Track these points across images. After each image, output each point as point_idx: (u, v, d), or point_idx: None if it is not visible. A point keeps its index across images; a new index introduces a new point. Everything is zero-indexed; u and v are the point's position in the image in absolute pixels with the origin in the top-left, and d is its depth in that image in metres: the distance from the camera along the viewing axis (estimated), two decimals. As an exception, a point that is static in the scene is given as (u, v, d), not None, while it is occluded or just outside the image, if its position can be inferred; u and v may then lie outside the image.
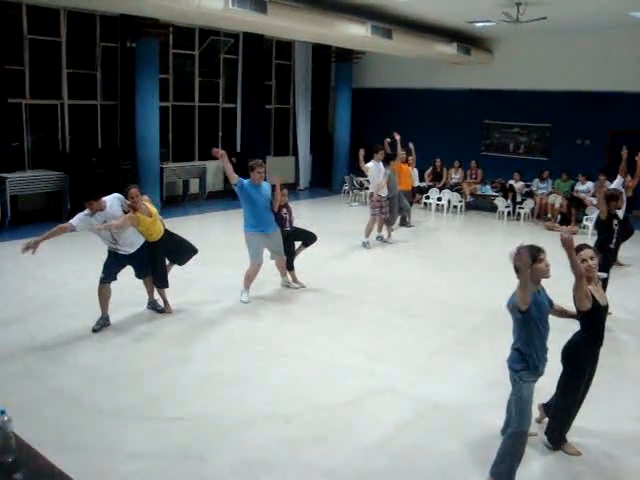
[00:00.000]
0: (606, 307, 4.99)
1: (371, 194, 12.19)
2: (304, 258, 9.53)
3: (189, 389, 6.04)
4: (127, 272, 7.84)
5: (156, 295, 8.05)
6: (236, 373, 6.42)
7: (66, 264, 10.03)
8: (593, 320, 4.87)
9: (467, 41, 16.55)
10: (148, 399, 5.78)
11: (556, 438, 5.10)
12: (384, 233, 12.59)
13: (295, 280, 9.29)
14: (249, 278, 8.67)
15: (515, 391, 4.60)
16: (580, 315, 4.86)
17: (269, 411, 5.61)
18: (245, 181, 8.53)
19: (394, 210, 12.72)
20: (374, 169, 11.92)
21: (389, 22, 13.99)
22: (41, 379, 6.11)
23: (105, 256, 7.61)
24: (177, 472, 4.71)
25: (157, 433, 5.20)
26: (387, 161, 12.32)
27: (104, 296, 7.54)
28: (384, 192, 12.04)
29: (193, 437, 5.14)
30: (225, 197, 16.33)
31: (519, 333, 4.55)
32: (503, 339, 5.26)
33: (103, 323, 7.47)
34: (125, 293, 8.12)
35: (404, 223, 14.07)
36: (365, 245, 12.01)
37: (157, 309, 8.03)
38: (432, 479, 4.72)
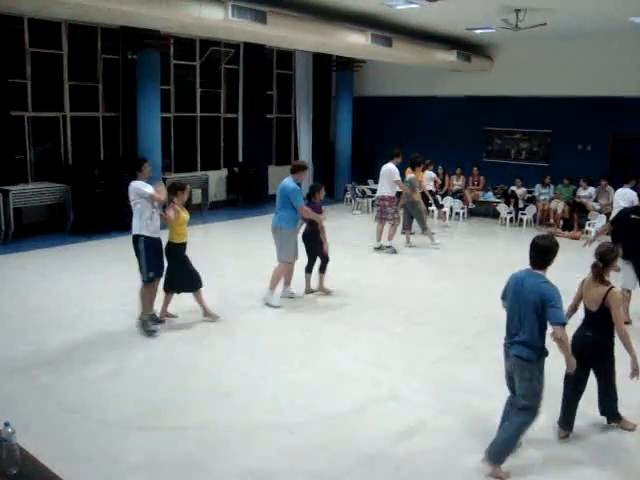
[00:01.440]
0: None
1: (382, 197, 12.29)
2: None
3: (192, 399, 6.04)
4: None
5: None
6: (239, 382, 6.42)
7: (69, 276, 10.05)
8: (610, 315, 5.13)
9: (467, 48, 16.58)
10: (151, 409, 5.79)
11: (614, 415, 5.53)
12: (392, 242, 12.52)
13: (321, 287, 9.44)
14: (278, 278, 8.78)
15: (531, 376, 4.69)
16: (601, 312, 5.15)
17: (272, 420, 5.61)
18: (294, 183, 8.88)
19: (422, 215, 12.87)
20: (395, 171, 12.08)
21: (389, 30, 14.03)
22: (44, 391, 6.11)
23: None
24: (181, 482, 4.71)
25: (160, 443, 5.20)
26: (413, 167, 12.58)
27: (153, 295, 7.70)
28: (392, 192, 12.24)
29: (196, 447, 5.14)
30: (227, 207, 16.37)
31: (532, 327, 4.65)
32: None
33: (153, 319, 7.68)
34: (127, 303, 8.13)
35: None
36: (388, 250, 12.22)
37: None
38: (436, 486, 4.72)
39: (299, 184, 8.88)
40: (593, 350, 5.22)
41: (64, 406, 5.79)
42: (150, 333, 7.54)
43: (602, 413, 5.58)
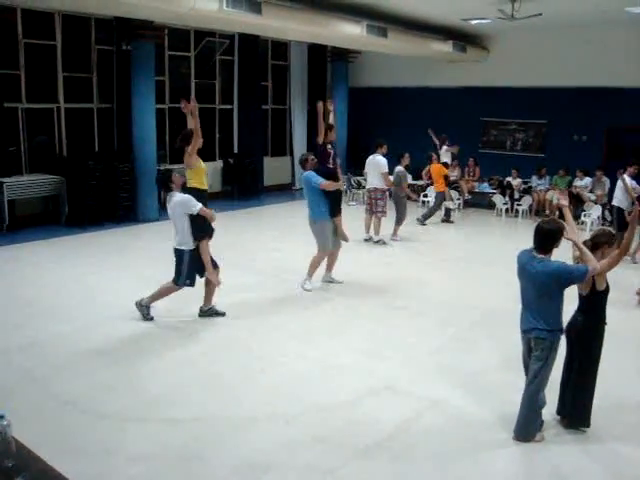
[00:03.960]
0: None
1: (374, 189, 12.24)
2: (303, 258, 9.48)
3: (189, 390, 6.03)
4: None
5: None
6: (235, 374, 6.42)
7: (64, 267, 10.02)
8: (602, 299, 5.09)
9: (463, 39, 16.55)
10: (148, 401, 5.78)
11: (585, 420, 5.28)
12: (379, 235, 12.53)
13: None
14: (315, 266, 9.12)
15: (544, 356, 4.89)
16: (591, 295, 5.06)
17: (269, 412, 5.61)
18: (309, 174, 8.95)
19: (404, 209, 12.80)
20: (382, 164, 12.01)
21: (384, 21, 13.99)
22: (40, 383, 6.10)
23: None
24: (178, 474, 4.70)
25: (157, 435, 5.20)
26: (399, 159, 12.59)
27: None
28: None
29: (193, 438, 5.13)
30: (223, 198, 16.33)
31: (548, 306, 4.81)
32: (503, 335, 5.28)
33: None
34: (122, 294, 8.12)
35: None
36: (380, 242, 12.27)
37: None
38: (433, 478, 4.72)
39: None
40: (581, 330, 5.17)
41: (60, 398, 5.77)
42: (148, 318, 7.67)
43: (560, 412, 5.42)
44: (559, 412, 5.42)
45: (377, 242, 12.32)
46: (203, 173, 8.01)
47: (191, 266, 7.49)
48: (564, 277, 4.77)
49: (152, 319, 7.69)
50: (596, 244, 5.13)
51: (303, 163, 9.18)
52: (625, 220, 10.70)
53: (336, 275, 9.55)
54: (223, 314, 7.94)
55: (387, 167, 12.04)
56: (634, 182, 11.41)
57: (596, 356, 5.18)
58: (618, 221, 11.23)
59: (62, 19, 13.27)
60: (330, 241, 9.14)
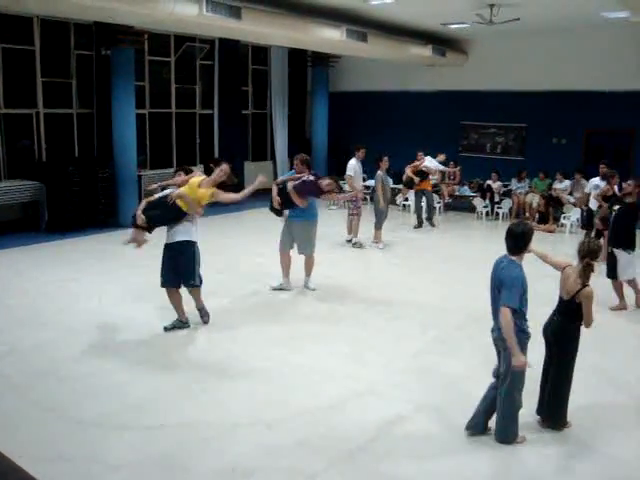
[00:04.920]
0: None
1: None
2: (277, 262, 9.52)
3: (170, 397, 6.01)
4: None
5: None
6: (217, 379, 6.40)
7: (45, 274, 9.94)
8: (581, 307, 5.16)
9: (442, 43, 16.64)
10: (129, 408, 5.75)
11: (562, 419, 5.35)
12: (359, 238, 12.59)
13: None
14: (312, 265, 9.35)
15: (508, 356, 4.90)
16: (570, 302, 5.17)
17: (251, 417, 5.60)
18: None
19: (382, 214, 12.66)
20: (356, 167, 12.22)
21: (364, 25, 14.04)
22: (20, 390, 6.05)
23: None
24: (161, 480, 4.69)
25: (139, 442, 5.17)
26: (378, 163, 12.49)
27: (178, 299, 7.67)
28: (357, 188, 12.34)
29: (176, 445, 5.11)
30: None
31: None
32: (485, 338, 5.31)
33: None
34: (104, 300, 8.08)
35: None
36: (356, 245, 12.36)
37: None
38: (416, 480, 4.74)
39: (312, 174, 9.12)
40: (557, 332, 5.25)
41: (41, 406, 5.73)
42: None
43: (539, 413, 5.49)
44: (538, 412, 5.48)
45: (352, 243, 12.45)
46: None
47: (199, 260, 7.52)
48: (503, 289, 4.80)
49: (188, 326, 7.70)
50: (583, 256, 5.22)
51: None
52: (591, 220, 11.46)
53: (312, 280, 9.58)
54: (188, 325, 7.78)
55: (352, 171, 12.25)
56: (603, 183, 11.54)
57: (571, 357, 5.25)
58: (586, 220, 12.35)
59: (40, 24, 13.18)
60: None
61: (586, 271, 5.11)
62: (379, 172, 12.53)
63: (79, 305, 8.54)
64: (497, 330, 4.95)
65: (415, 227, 14.58)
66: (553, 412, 5.37)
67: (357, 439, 5.24)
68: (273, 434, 5.32)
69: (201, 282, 7.66)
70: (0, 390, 6.05)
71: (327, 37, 13.33)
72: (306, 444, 5.16)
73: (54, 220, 12.91)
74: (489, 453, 5.08)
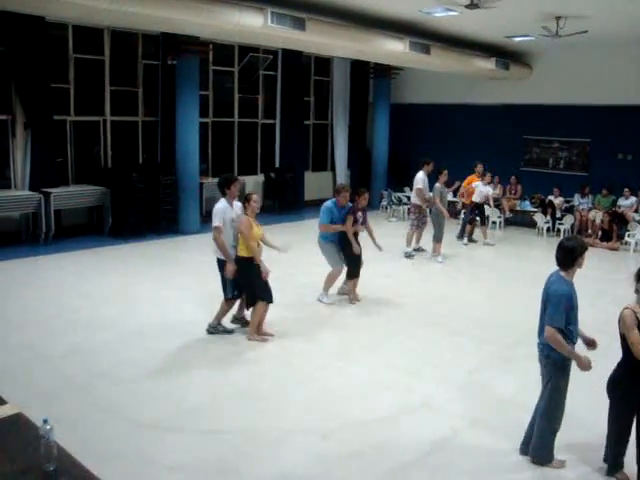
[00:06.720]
0: None
1: (412, 205, 12.58)
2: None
3: (227, 403, 6.07)
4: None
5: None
6: (273, 387, 6.44)
7: (107, 277, 10.19)
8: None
9: (506, 56, 16.46)
10: (186, 412, 5.83)
11: (616, 464, 4.85)
12: (421, 244, 12.77)
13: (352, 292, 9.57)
14: (331, 281, 9.39)
15: (550, 375, 4.83)
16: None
17: (305, 426, 5.62)
18: (331, 203, 9.27)
19: (441, 226, 12.55)
20: (425, 180, 12.26)
21: (427, 38, 14.00)
22: (82, 390, 6.20)
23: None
24: (214, 485, 4.74)
25: (195, 446, 5.24)
26: (437, 176, 12.51)
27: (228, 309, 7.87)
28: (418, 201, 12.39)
29: (230, 450, 5.17)
30: (263, 212, 16.40)
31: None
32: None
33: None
34: (163, 305, 8.21)
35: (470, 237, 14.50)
36: (408, 255, 12.36)
37: (242, 323, 8.08)
38: (469, 497, 4.68)
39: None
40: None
41: (100, 406, 5.86)
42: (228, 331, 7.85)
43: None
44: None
45: (407, 255, 12.46)
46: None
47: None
48: (549, 305, 4.71)
49: (232, 331, 7.88)
50: None
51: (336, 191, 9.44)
52: None
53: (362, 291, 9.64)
54: (231, 332, 7.89)
55: (422, 183, 12.14)
56: None
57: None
58: None
59: (111, 35, 13.58)
60: (338, 260, 9.37)
61: None
62: (437, 184, 12.44)
63: (140, 308, 8.72)
64: (540, 345, 4.87)
65: (457, 237, 14.50)
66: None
67: (411, 453, 5.20)
68: (327, 444, 5.32)
69: (234, 296, 7.73)
70: (62, 390, 6.21)
71: (390, 49, 13.32)
72: (359, 455, 5.14)
73: (117, 225, 13.20)
74: (533, 473, 4.94)
